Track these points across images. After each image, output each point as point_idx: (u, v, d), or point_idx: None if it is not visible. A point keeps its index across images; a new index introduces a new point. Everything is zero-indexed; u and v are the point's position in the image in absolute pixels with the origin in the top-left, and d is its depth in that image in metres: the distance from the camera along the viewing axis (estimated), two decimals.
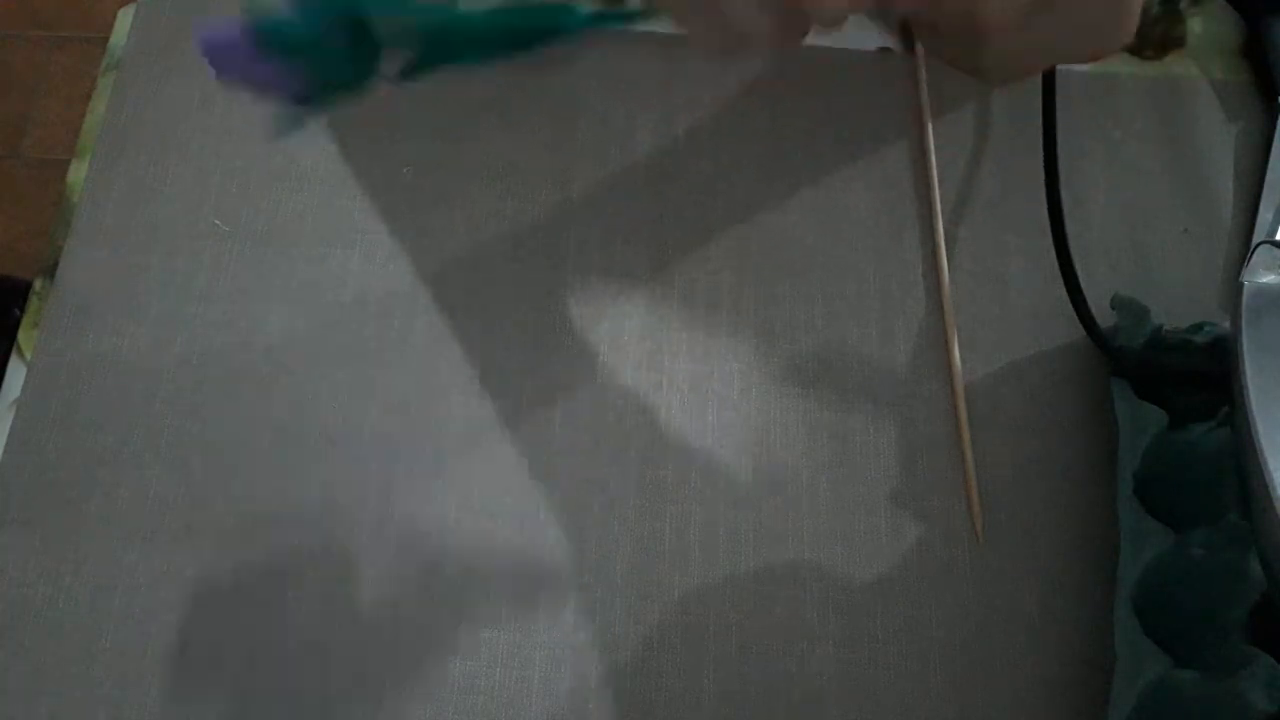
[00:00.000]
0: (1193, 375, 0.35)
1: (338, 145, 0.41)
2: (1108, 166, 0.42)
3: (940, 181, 0.41)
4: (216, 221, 0.40)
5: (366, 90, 0.28)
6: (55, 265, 0.39)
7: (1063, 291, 0.37)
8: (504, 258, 0.39)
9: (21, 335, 0.38)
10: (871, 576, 0.35)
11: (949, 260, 0.40)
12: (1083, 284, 0.37)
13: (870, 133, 0.42)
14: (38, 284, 0.39)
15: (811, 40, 0.37)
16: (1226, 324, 0.35)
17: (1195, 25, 0.45)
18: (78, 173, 0.40)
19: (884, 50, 0.44)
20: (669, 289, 0.39)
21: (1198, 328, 0.36)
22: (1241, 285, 0.30)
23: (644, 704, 0.33)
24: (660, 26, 0.30)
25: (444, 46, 0.27)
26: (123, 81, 0.42)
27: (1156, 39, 0.45)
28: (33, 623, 0.34)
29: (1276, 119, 0.42)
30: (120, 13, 0.43)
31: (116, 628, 0.34)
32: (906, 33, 0.44)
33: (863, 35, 0.44)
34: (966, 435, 0.37)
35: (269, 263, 0.39)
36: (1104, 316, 0.37)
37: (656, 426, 0.37)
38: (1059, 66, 0.39)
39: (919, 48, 0.43)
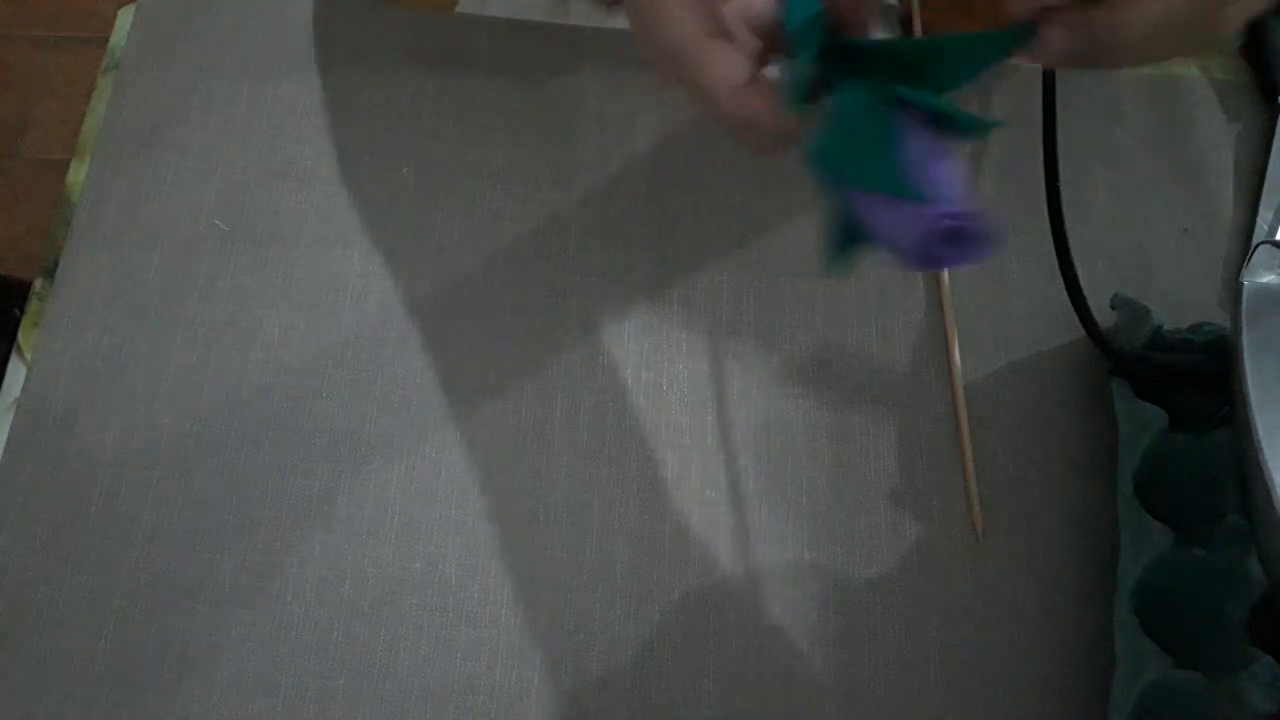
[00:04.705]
0: (1193, 375, 0.35)
1: (338, 145, 0.41)
2: (1108, 166, 0.42)
3: None
4: (216, 222, 0.39)
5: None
6: (55, 265, 0.39)
7: (1063, 291, 0.37)
8: (504, 258, 0.39)
9: (21, 335, 0.38)
10: (871, 576, 0.35)
11: None
12: (1083, 284, 0.37)
13: None
14: (38, 284, 0.39)
15: None
16: (1226, 324, 0.35)
17: None
18: (78, 173, 0.40)
19: None
20: (669, 289, 0.39)
21: (1198, 328, 0.36)
22: (1241, 285, 0.30)
23: (644, 704, 0.33)
24: None
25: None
26: (123, 81, 0.42)
27: None
28: (33, 623, 0.34)
29: (1276, 119, 0.42)
30: (120, 13, 0.43)
31: (116, 628, 0.34)
32: (908, 30, 0.44)
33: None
34: (966, 435, 0.37)
35: (269, 263, 0.39)
36: (1104, 316, 0.37)
37: (656, 427, 0.37)
38: (1058, 69, 0.39)
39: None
